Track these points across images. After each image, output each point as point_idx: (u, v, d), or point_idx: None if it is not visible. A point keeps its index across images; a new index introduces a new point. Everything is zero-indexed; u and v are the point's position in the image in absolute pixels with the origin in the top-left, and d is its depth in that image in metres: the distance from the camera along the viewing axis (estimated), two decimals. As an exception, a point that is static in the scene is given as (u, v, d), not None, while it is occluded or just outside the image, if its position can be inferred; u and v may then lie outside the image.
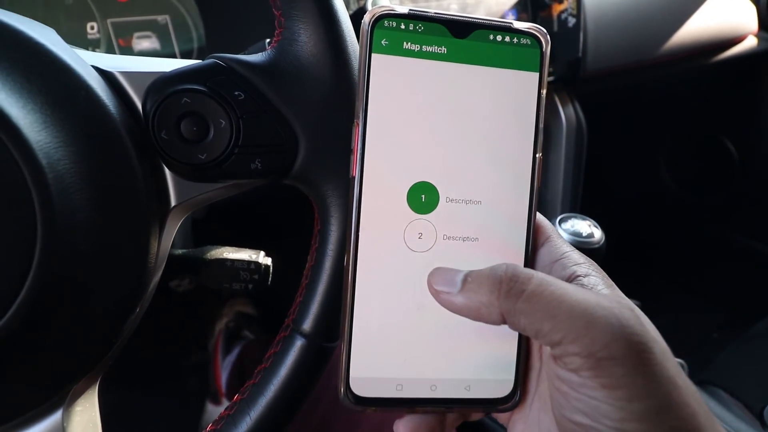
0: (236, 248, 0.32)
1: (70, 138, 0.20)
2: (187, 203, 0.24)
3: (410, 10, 0.20)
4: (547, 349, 0.21)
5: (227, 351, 0.81)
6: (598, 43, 0.57)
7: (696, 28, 0.66)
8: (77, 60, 0.21)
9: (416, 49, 0.20)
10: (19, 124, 0.18)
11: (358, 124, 0.20)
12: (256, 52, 0.33)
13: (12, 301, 0.18)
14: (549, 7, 0.56)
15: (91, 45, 0.51)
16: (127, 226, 0.22)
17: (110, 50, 0.51)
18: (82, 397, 0.24)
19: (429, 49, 0.20)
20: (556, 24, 0.56)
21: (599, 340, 0.16)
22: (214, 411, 0.76)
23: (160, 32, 0.54)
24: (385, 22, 0.20)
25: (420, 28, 0.20)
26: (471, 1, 0.53)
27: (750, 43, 0.75)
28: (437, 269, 0.20)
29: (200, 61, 0.24)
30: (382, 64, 0.20)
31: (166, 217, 0.24)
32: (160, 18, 0.54)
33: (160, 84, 0.23)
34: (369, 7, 0.44)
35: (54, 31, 0.23)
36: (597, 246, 0.41)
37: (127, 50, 0.52)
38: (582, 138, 0.60)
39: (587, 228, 0.44)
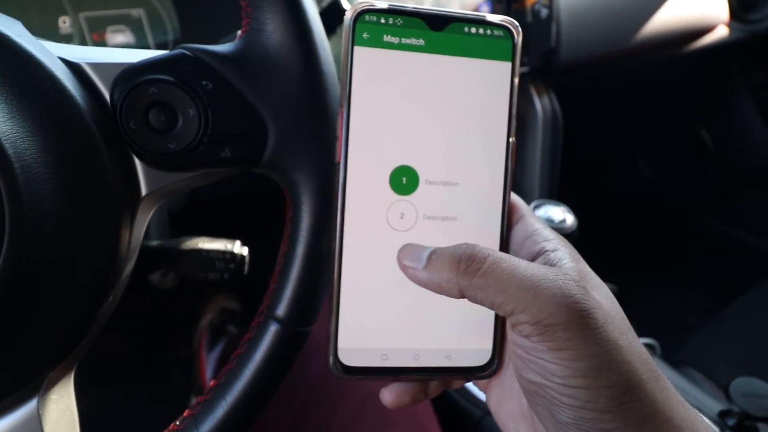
0: (211, 238, 0.33)
1: (36, 128, 0.20)
2: (158, 192, 0.25)
3: (390, 5, 0.21)
4: None
5: (212, 347, 0.81)
6: (572, 34, 0.58)
7: (667, 18, 0.68)
8: (43, 51, 0.22)
9: (396, 42, 0.21)
10: None
11: (342, 113, 0.21)
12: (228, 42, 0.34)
13: None
14: (523, -1, 0.57)
15: (64, 39, 0.50)
16: (96, 215, 0.22)
17: (83, 44, 0.51)
18: (58, 385, 0.24)
19: (408, 41, 0.21)
20: (529, 15, 0.57)
21: (545, 309, 0.18)
22: (200, 406, 0.76)
23: (134, 26, 0.53)
24: (366, 16, 0.21)
25: (399, 21, 0.21)
26: (446, -7, 0.54)
27: (721, 32, 0.77)
28: (406, 245, 0.21)
29: (167, 51, 0.24)
30: (363, 56, 0.21)
31: (137, 206, 0.24)
32: (133, 12, 0.53)
33: (128, 74, 0.23)
34: (345, 3, 0.45)
35: (20, 23, 0.23)
36: (570, 231, 0.42)
37: (101, 44, 0.51)
38: (558, 127, 0.61)
39: (560, 214, 0.45)
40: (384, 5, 0.21)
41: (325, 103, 0.25)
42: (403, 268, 0.21)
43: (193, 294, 0.85)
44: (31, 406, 0.23)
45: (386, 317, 0.22)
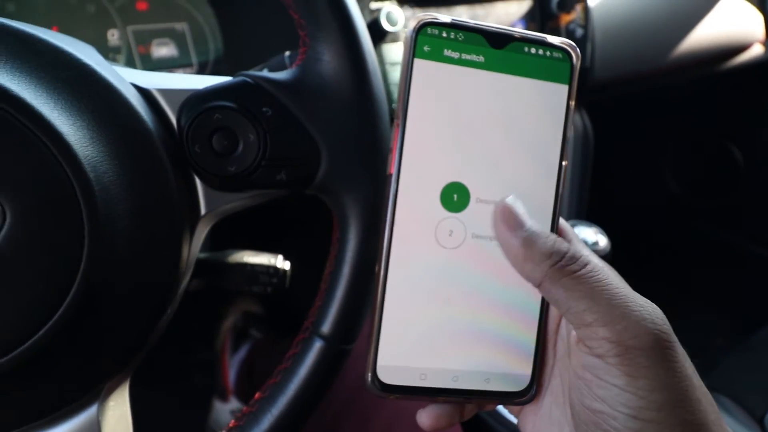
0: (255, 252, 0.34)
1: (113, 152, 0.21)
2: (215, 212, 0.26)
3: (453, 19, 0.21)
4: (562, 345, 0.22)
5: (235, 350, 0.83)
6: (606, 53, 0.58)
7: (703, 36, 0.67)
8: (118, 78, 0.23)
9: (456, 57, 0.21)
10: (69, 141, 0.20)
11: (397, 125, 0.21)
12: (276, 65, 0.35)
13: (60, 304, 0.20)
14: (557, 18, 0.57)
15: (112, 51, 0.52)
16: (162, 233, 0.23)
17: (130, 57, 0.53)
18: (115, 392, 0.25)
19: (468, 57, 0.21)
20: (563, 34, 0.57)
21: (631, 330, 0.17)
22: (222, 408, 0.77)
23: (178, 40, 0.55)
24: (429, 29, 0.21)
25: (460, 37, 0.21)
26: (481, 12, 0.55)
27: (756, 51, 0.76)
28: (509, 205, 0.21)
29: (230, 78, 0.26)
30: (423, 69, 0.21)
31: (196, 225, 0.25)
32: (177, 26, 0.55)
33: (194, 101, 0.24)
34: (382, 20, 0.46)
35: (94, 49, 0.25)
36: (603, 254, 0.42)
37: (146, 57, 0.53)
38: (588, 146, 0.61)
39: (593, 235, 0.45)
40: (447, 19, 0.21)
41: (376, 130, 0.26)
42: (495, 223, 0.20)
43: (216, 297, 0.86)
44: (91, 412, 0.24)
45: (427, 336, 0.22)
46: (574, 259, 0.19)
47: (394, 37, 0.49)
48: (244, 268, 0.32)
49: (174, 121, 0.24)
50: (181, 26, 0.55)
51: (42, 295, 0.20)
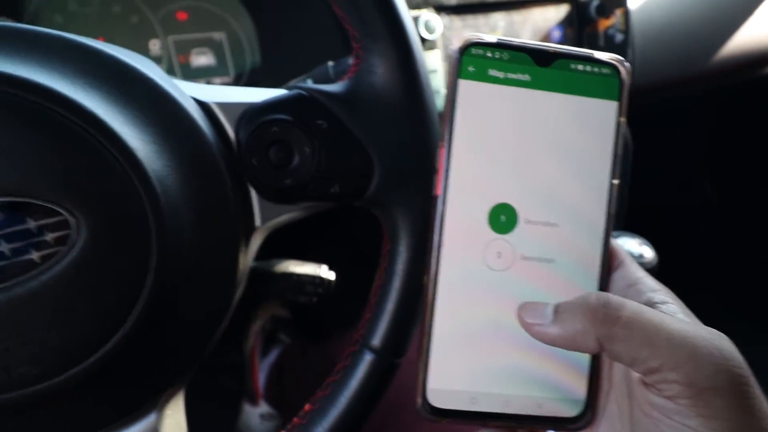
0: (300, 261, 0.34)
1: (178, 166, 0.22)
2: (269, 224, 0.26)
3: (498, 39, 0.21)
4: (618, 370, 0.21)
5: (264, 353, 0.83)
6: (646, 58, 0.57)
7: (746, 39, 0.65)
8: (180, 93, 0.23)
9: (501, 76, 0.21)
10: (139, 156, 0.20)
11: (443, 146, 0.21)
12: (320, 75, 0.35)
13: (128, 315, 0.20)
14: (595, 23, 0.56)
15: (154, 61, 0.54)
16: (221, 245, 0.23)
17: (170, 66, 0.54)
18: (172, 401, 0.26)
19: (513, 76, 0.21)
20: (602, 39, 0.56)
21: (702, 370, 0.16)
22: (251, 411, 0.78)
23: (216, 49, 0.56)
24: (473, 49, 0.21)
25: (506, 56, 0.21)
26: (518, 18, 0.54)
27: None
28: (525, 304, 0.21)
29: (285, 91, 0.26)
30: (468, 90, 0.21)
31: (251, 236, 0.26)
32: (215, 35, 0.56)
33: (251, 114, 0.24)
34: (420, 28, 0.46)
35: (154, 63, 0.25)
36: (650, 266, 0.41)
37: (185, 66, 0.55)
38: (627, 155, 0.60)
39: (637, 247, 0.44)
40: (493, 39, 0.21)
41: (429, 144, 0.26)
42: (527, 327, 0.20)
43: (244, 299, 0.87)
44: (149, 420, 0.24)
45: (478, 360, 0.21)
46: (610, 303, 0.18)
47: (432, 45, 0.49)
48: (290, 277, 0.33)
49: (231, 133, 0.25)
50: (219, 35, 0.56)
51: (111, 307, 0.20)
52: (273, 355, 0.82)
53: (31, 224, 0.18)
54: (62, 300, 0.19)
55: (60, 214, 0.19)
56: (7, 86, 0.18)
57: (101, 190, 0.19)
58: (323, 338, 0.75)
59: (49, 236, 0.19)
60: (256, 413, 0.78)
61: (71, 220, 0.19)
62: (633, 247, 0.43)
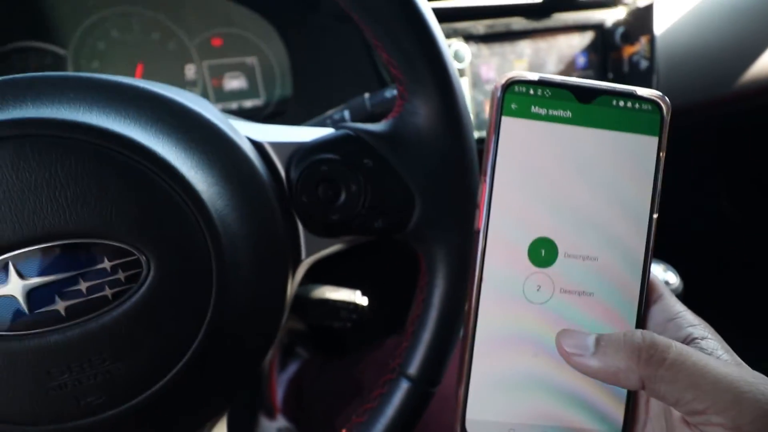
0: (335, 287, 0.35)
1: (237, 204, 0.23)
2: (314, 257, 0.27)
3: (540, 77, 0.21)
4: (658, 405, 0.22)
5: (282, 367, 0.84)
6: (670, 83, 0.58)
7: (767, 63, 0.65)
8: (237, 133, 0.25)
9: (543, 113, 0.21)
10: (204, 199, 0.21)
11: (485, 181, 0.21)
12: (357, 107, 0.36)
13: (189, 347, 0.21)
14: (620, 49, 0.57)
15: (188, 85, 0.56)
16: (272, 278, 0.25)
17: (204, 89, 0.56)
18: (217, 425, 0.27)
19: (555, 113, 0.21)
20: (626, 66, 0.57)
21: (747, 415, 0.17)
22: (268, 426, 0.78)
23: (248, 73, 0.58)
24: (516, 87, 0.21)
25: (548, 93, 0.21)
26: (543, 45, 0.55)
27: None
28: (565, 331, 0.21)
29: (333, 130, 0.27)
30: (510, 127, 0.21)
31: (297, 268, 0.27)
32: (248, 60, 0.58)
33: (302, 153, 0.26)
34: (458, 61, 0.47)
35: (208, 102, 0.27)
36: (676, 293, 0.41)
37: (218, 90, 0.57)
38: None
39: (662, 273, 0.44)
40: (535, 77, 0.21)
41: (469, 182, 0.27)
42: (567, 356, 0.20)
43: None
44: None
45: (515, 391, 0.22)
46: (656, 344, 0.18)
47: (461, 73, 0.50)
48: (326, 303, 0.34)
49: (282, 171, 0.26)
50: (252, 60, 0.58)
51: (174, 340, 0.21)
52: (291, 370, 0.82)
53: (107, 263, 0.20)
54: (130, 333, 0.20)
55: (132, 254, 0.20)
56: (90, 136, 0.19)
57: (170, 232, 0.21)
58: (341, 354, 0.76)
59: (122, 275, 0.20)
60: (273, 427, 0.78)
61: (142, 259, 0.20)
62: (658, 273, 0.44)
